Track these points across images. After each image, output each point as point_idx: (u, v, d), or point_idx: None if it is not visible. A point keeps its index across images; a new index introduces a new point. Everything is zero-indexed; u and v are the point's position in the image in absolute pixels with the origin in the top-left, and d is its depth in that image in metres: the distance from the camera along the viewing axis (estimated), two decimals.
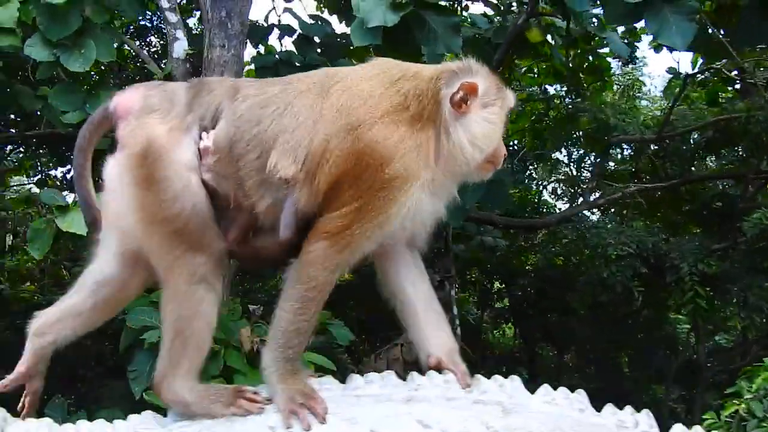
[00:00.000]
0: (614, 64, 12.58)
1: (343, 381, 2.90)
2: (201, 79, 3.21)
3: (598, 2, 5.80)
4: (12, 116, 9.43)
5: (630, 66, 13.66)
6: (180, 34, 6.67)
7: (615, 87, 13.19)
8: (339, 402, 2.69)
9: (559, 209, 13.86)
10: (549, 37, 8.71)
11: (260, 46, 10.22)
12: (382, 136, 2.73)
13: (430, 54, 5.41)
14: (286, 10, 11.87)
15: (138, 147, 2.82)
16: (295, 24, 8.58)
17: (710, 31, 5.93)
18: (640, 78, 14.07)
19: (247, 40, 8.83)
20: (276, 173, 2.82)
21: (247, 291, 10.74)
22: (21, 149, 11.39)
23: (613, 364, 13.96)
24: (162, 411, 3.01)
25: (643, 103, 14.48)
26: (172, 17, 6.64)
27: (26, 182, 12.80)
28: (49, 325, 3.14)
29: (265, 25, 9.34)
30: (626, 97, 13.20)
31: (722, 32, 5.90)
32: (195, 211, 2.81)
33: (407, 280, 3.03)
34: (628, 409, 2.76)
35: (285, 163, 2.82)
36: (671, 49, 7.04)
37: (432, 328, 2.98)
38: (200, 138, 2.90)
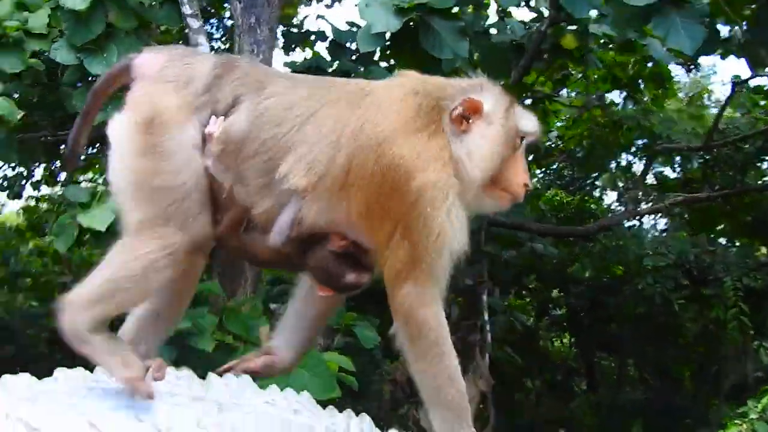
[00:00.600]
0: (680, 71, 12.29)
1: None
2: (230, 60, 3.01)
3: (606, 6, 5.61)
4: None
5: (696, 73, 13.25)
6: (202, 39, 6.78)
7: (682, 95, 12.86)
8: None
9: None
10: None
11: (296, 50, 10.43)
12: (406, 149, 2.65)
13: (443, 60, 5.35)
14: (319, 16, 12.09)
15: (144, 113, 2.77)
16: (328, 30, 8.67)
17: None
18: (709, 86, 13.68)
19: (281, 43, 8.99)
20: (285, 182, 2.74)
21: (271, 290, 10.87)
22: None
23: (673, 377, 13.54)
24: None
25: (713, 110, 14.00)
26: (194, 23, 6.77)
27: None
28: (136, 338, 3.01)
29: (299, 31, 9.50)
30: (694, 105, 12.85)
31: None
32: (193, 188, 2.74)
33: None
34: (347, 412, 2.76)
35: (298, 174, 2.74)
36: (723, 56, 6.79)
37: None
38: (208, 122, 2.81)
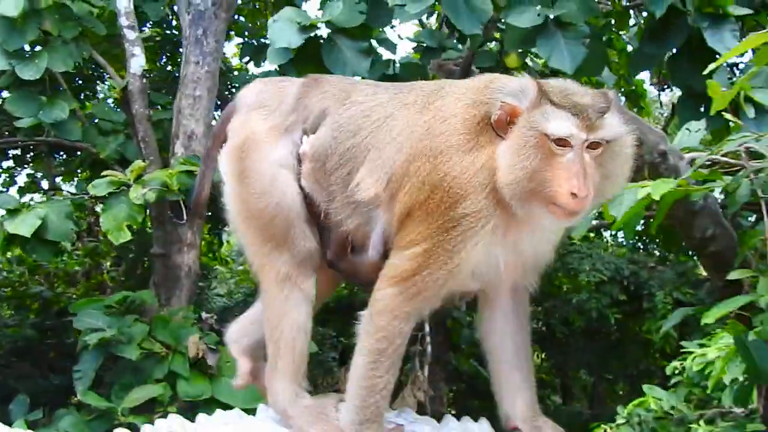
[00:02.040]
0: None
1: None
2: (317, 77, 3.05)
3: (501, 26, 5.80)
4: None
5: (671, 92, 13.43)
6: (137, 50, 6.95)
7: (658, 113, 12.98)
8: None
9: None
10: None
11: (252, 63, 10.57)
12: (458, 170, 2.50)
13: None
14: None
15: (238, 140, 2.87)
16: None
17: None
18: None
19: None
20: (358, 192, 2.71)
21: (203, 299, 10.96)
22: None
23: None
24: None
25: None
26: (131, 34, 6.94)
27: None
28: (243, 330, 3.15)
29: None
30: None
31: None
32: (280, 207, 2.77)
33: (496, 330, 2.81)
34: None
35: (369, 182, 2.70)
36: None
37: (511, 390, 2.80)
38: (301, 141, 2.83)
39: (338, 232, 2.80)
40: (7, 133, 8.31)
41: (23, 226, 6.27)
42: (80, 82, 10.62)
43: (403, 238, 2.56)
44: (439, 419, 2.93)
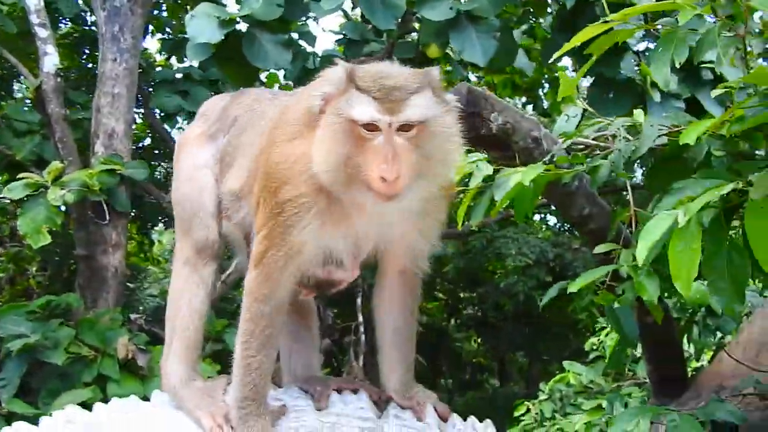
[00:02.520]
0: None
1: None
2: (245, 91, 3.30)
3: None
4: None
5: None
6: (50, 48, 6.77)
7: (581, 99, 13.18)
8: None
9: None
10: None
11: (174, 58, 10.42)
12: (281, 158, 2.61)
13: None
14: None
15: (178, 142, 3.27)
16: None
17: None
18: None
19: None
20: (226, 184, 2.96)
21: (134, 300, 10.84)
22: None
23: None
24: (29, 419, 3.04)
25: None
26: (43, 32, 6.75)
27: None
28: None
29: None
30: None
31: None
32: (189, 199, 3.02)
33: (383, 308, 2.94)
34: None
35: (235, 176, 2.93)
36: None
37: (387, 365, 2.95)
38: None
39: (243, 230, 3.00)
40: None
41: None
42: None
43: (255, 224, 2.72)
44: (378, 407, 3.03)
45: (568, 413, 5.25)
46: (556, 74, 11.20)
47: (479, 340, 18.13)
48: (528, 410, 5.18)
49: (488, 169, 3.28)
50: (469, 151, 3.27)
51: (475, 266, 11.74)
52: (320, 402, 2.84)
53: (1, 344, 6.70)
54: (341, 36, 7.64)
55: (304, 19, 6.85)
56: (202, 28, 5.16)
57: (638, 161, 3.19)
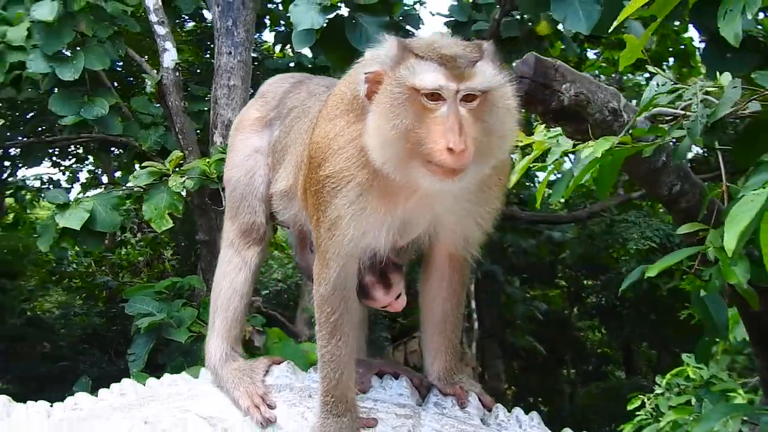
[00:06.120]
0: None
1: None
2: (306, 78, 3.32)
3: None
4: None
5: None
6: (169, 45, 7.11)
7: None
8: None
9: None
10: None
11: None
12: (322, 134, 2.57)
13: None
14: None
15: (236, 119, 3.34)
16: None
17: None
18: None
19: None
20: (276, 185, 3.03)
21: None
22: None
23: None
24: None
25: None
26: (161, 30, 7.09)
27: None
28: None
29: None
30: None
31: None
32: (239, 182, 3.11)
33: (429, 294, 2.89)
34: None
35: (283, 175, 2.98)
36: None
37: (432, 351, 2.92)
38: None
39: (296, 228, 3.03)
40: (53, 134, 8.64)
41: (73, 220, 6.54)
42: (130, 78, 10.99)
43: (311, 219, 2.69)
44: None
45: None
46: (683, 46, 10.50)
47: (603, 330, 17.43)
48: (643, 404, 4.89)
49: (567, 144, 3.09)
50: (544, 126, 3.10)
51: (594, 252, 11.29)
52: (362, 385, 2.81)
53: (131, 322, 7.19)
54: (450, 18, 7.55)
55: (411, 2, 6.82)
56: (305, 14, 5.25)
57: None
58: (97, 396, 2.97)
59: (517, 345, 16.37)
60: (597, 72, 12.24)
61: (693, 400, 4.37)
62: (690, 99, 2.82)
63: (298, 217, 2.92)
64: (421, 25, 6.97)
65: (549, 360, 16.79)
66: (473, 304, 9.19)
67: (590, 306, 17.24)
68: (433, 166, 2.24)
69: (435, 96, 2.25)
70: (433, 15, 12.46)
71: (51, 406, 3.00)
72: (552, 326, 16.65)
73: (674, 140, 2.93)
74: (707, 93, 2.80)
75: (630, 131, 2.85)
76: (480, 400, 2.80)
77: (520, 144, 2.83)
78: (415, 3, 6.80)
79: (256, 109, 3.24)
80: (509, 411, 2.77)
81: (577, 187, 3.08)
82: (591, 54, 11.59)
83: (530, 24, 7.51)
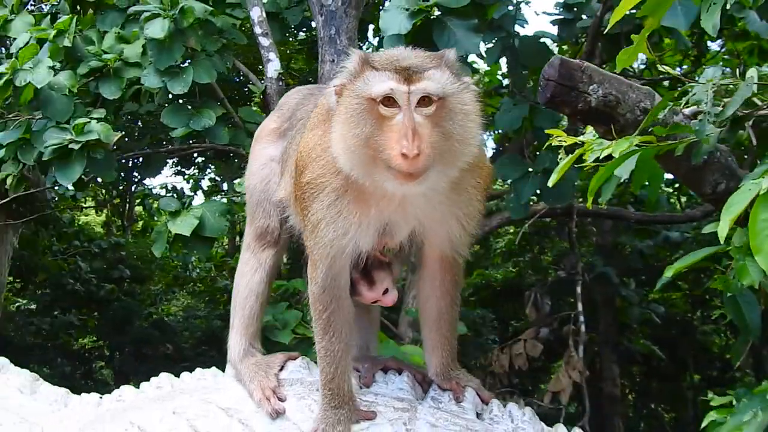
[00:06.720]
0: None
1: None
2: (318, 88, 3.57)
3: None
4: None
5: None
6: (272, 55, 7.37)
7: None
8: None
9: None
10: None
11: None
12: (302, 146, 2.82)
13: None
14: None
15: (255, 134, 3.60)
16: None
17: None
18: None
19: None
20: (276, 193, 3.26)
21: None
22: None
23: None
24: None
25: None
26: (265, 41, 7.37)
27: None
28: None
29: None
30: None
31: None
32: (255, 188, 3.35)
33: (424, 293, 3.05)
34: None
35: (282, 185, 3.21)
36: None
37: (429, 348, 3.07)
38: None
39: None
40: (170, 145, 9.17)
41: (183, 226, 6.90)
42: (245, 89, 11.46)
43: (299, 219, 2.91)
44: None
45: None
46: None
47: (729, 333, 16.41)
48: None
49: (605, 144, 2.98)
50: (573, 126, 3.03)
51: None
52: (365, 380, 2.97)
53: None
54: (558, 17, 7.41)
55: (515, 2, 6.72)
56: (393, 20, 5.31)
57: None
58: (139, 388, 3.25)
59: (634, 349, 15.75)
60: (721, 64, 11.54)
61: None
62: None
63: (296, 221, 3.08)
64: (525, 25, 6.89)
65: (669, 365, 16.03)
66: (579, 306, 8.90)
67: (714, 308, 16.28)
68: (393, 170, 2.39)
69: (390, 102, 2.38)
70: (537, 15, 12.27)
71: (101, 397, 3.30)
72: (673, 330, 15.89)
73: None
74: (727, 90, 2.63)
75: (651, 130, 2.79)
76: (478, 395, 2.91)
77: (565, 144, 2.77)
78: (519, 3, 6.66)
79: (273, 120, 3.44)
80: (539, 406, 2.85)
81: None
82: (714, 46, 10.96)
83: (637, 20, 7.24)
